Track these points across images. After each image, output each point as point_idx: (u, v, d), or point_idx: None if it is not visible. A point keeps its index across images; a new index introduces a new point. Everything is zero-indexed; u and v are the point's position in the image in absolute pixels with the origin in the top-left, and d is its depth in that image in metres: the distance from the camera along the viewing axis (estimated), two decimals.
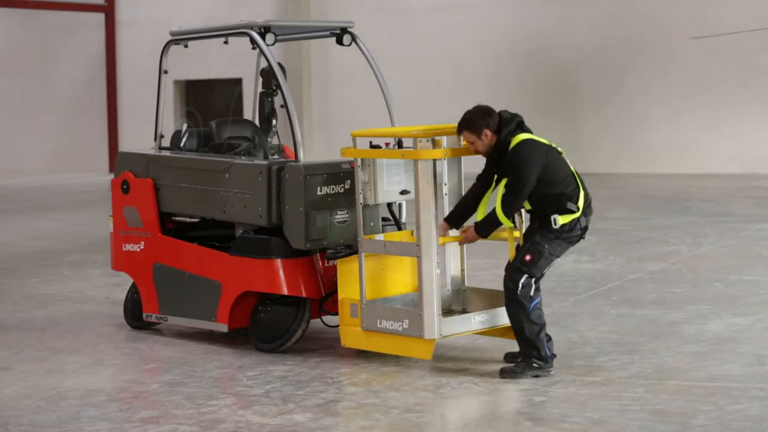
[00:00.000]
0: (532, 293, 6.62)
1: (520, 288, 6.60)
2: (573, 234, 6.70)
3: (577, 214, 6.66)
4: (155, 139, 8.38)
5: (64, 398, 6.48)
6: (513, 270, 6.65)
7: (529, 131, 6.74)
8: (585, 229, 6.77)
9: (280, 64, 7.61)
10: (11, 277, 10.99)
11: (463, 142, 7.27)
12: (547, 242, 6.65)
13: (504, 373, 6.61)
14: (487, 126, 6.67)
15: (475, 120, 6.68)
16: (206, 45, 8.93)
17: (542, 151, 6.65)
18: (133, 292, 8.33)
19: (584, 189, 6.76)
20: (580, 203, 6.68)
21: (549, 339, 6.73)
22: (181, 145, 8.27)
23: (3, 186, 21.95)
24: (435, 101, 21.19)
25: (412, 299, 7.19)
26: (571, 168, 6.76)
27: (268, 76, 7.99)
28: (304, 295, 7.31)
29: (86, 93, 24.90)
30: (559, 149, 6.78)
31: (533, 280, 6.63)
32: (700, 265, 10.42)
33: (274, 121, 8.19)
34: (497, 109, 6.78)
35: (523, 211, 6.84)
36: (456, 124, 6.83)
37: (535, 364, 6.59)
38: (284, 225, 7.32)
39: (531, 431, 5.69)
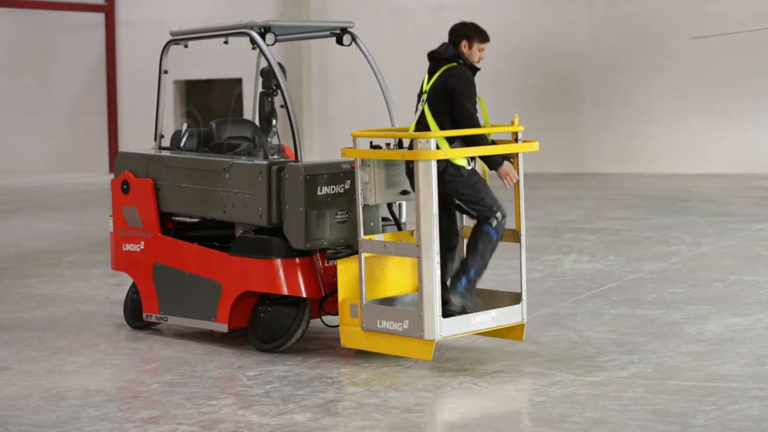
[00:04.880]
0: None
1: None
2: None
3: None
4: (155, 139, 8.38)
5: (64, 398, 6.48)
6: None
7: None
8: None
9: (280, 64, 7.61)
10: (11, 277, 10.98)
11: None
12: None
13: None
14: None
15: None
16: (206, 45, 8.93)
17: None
18: (133, 292, 8.33)
19: None
20: None
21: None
22: (181, 145, 8.27)
23: (3, 186, 21.94)
24: None
25: (412, 299, 7.19)
26: None
27: (268, 76, 7.99)
28: (304, 295, 7.31)
29: (86, 93, 24.89)
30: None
31: None
32: (700, 265, 10.41)
33: (274, 121, 8.19)
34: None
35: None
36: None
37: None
38: (284, 225, 7.32)
39: (531, 431, 5.69)
